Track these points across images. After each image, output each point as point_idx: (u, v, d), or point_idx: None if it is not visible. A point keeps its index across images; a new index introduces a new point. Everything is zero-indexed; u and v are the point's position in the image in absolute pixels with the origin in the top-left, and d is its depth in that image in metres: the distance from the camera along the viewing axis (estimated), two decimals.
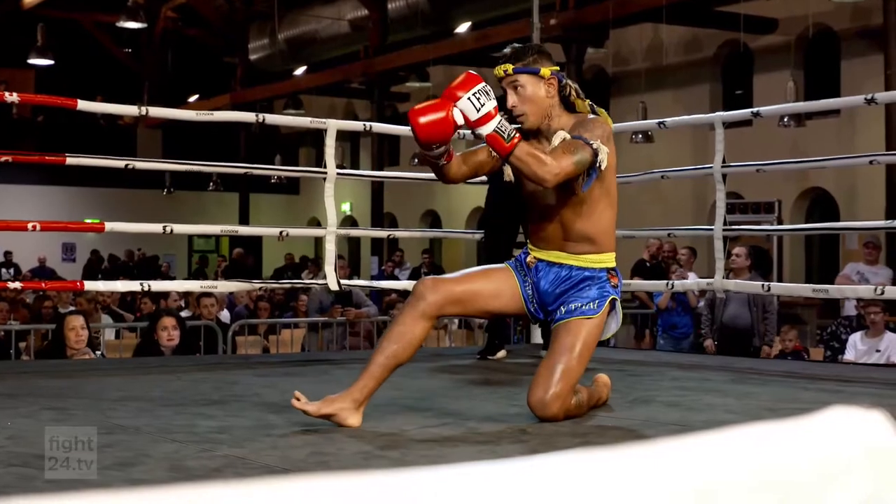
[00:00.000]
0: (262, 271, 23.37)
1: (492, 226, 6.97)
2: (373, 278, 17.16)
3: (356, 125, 7.98)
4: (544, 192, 4.01)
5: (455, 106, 3.73)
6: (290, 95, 24.09)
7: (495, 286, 4.08)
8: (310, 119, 7.49)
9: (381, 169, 19.50)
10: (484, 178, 7.02)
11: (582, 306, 4.00)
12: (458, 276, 4.06)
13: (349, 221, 25.62)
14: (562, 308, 4.01)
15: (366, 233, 11.95)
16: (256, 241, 24.86)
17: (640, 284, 9.93)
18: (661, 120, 7.17)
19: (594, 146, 3.90)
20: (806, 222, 16.93)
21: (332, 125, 6.83)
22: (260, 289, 10.09)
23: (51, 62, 24.02)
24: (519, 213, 6.76)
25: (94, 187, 24.90)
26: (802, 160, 7.56)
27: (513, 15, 17.13)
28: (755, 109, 6.88)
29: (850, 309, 10.76)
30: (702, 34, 18.57)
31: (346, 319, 10.49)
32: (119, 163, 6.60)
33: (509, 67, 4.06)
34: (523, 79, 4.04)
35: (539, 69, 4.05)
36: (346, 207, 25.74)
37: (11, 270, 21.89)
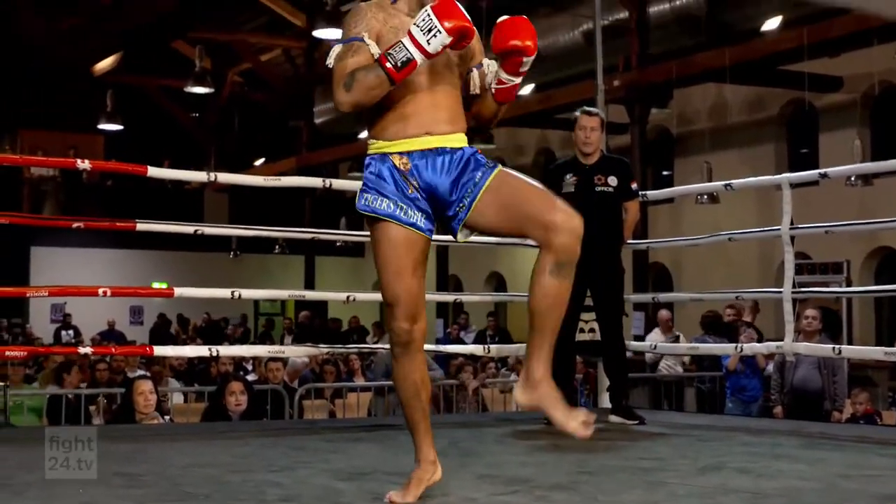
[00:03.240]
0: (328, 334, 23.45)
1: None
2: (438, 341, 17.17)
3: None
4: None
5: (522, 56, 3.56)
6: (355, 158, 24.24)
7: (412, 261, 3.56)
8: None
9: (445, 230, 19.51)
10: None
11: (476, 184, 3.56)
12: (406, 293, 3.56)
13: None
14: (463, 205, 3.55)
15: (431, 297, 11.91)
16: (322, 304, 24.95)
17: (709, 347, 9.84)
18: (727, 182, 7.14)
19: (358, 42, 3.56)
20: (875, 282, 16.73)
21: None
22: (326, 353, 10.08)
23: (120, 127, 24.39)
24: (588, 277, 6.77)
25: (162, 250, 25.14)
26: (870, 221, 7.50)
27: (576, 76, 17.15)
28: (822, 170, 6.83)
29: None
30: (766, 93, 18.50)
31: None
32: (188, 229, 6.67)
33: None
34: None
35: None
36: None
37: (71, 332, 22.09)
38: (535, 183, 3.55)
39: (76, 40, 22.34)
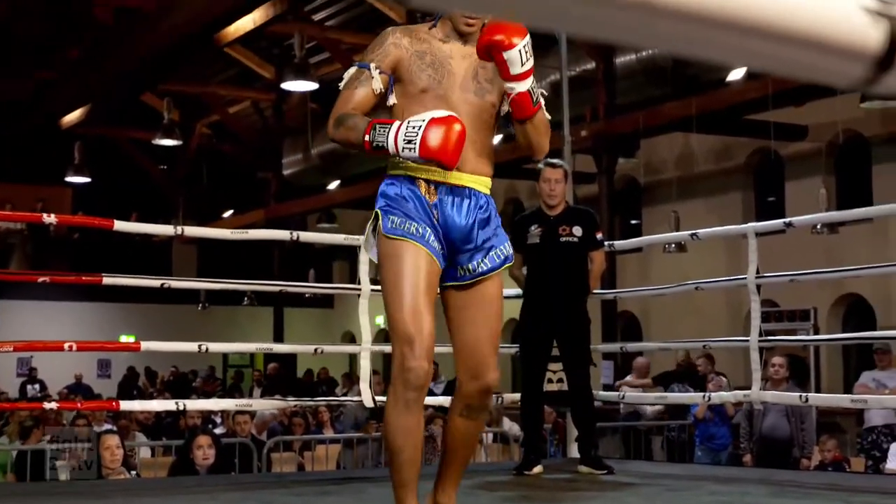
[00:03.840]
0: (297, 386, 23.36)
1: (526, 339, 6.96)
2: None
3: None
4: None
5: (501, 52, 3.23)
6: (324, 210, 24.27)
7: (432, 293, 3.41)
8: (343, 236, 7.54)
9: None
10: (519, 290, 7.06)
11: (501, 250, 3.52)
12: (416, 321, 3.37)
13: (384, 335, 25.58)
14: (480, 256, 3.48)
15: None
16: (291, 355, 24.89)
17: (677, 397, 9.86)
18: (693, 231, 7.19)
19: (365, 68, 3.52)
20: (842, 329, 16.82)
21: None
22: (294, 405, 10.05)
23: (87, 179, 24.34)
24: (554, 327, 6.79)
25: (130, 303, 25.02)
26: (836, 269, 7.55)
27: None
28: (788, 220, 6.89)
29: (874, 419, 10.69)
30: (732, 142, 18.65)
31: (382, 435, 10.43)
32: (155, 282, 6.66)
33: None
34: None
35: None
36: (380, 321, 25.73)
37: (37, 386, 21.92)
38: (497, 320, 3.49)
39: (45, 94, 22.32)
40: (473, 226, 3.44)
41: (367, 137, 3.26)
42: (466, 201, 3.43)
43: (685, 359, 12.11)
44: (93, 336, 23.01)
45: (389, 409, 3.37)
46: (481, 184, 3.47)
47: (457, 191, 3.43)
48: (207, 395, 19.02)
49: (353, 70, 3.52)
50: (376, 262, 3.54)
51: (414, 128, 3.21)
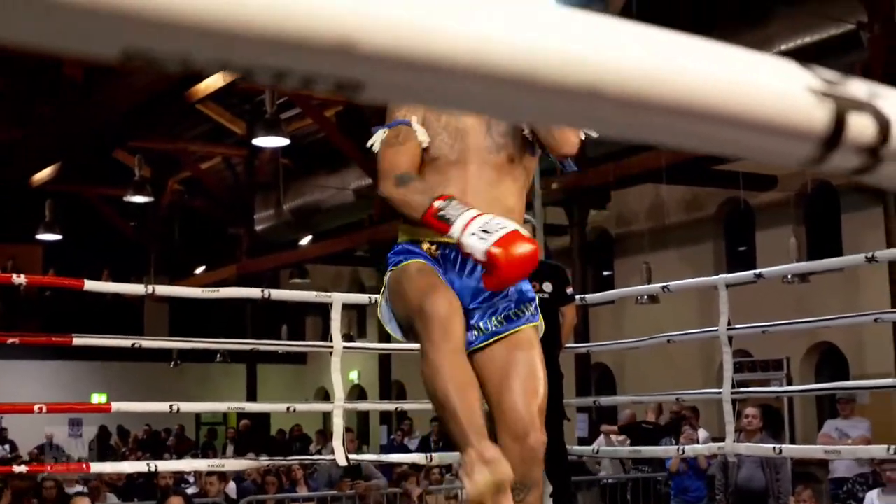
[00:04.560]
0: (270, 443, 23.23)
1: None
2: (382, 448, 17.07)
3: (361, 298, 8.03)
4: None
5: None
6: (296, 265, 24.25)
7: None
8: (315, 293, 7.54)
9: (387, 337, 19.53)
10: None
11: (521, 311, 3.39)
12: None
13: (357, 390, 25.54)
14: (495, 316, 3.37)
15: (374, 406, 11.99)
16: (264, 413, 24.78)
17: (651, 450, 9.86)
18: (665, 284, 7.22)
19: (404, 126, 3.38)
20: (815, 378, 16.87)
21: (338, 299, 6.87)
22: (267, 464, 9.99)
23: (58, 237, 24.27)
24: None
25: (101, 361, 24.88)
26: (807, 320, 7.59)
27: None
28: (758, 271, 6.93)
29: (840, 470, 10.73)
30: (702, 193, 18.75)
31: (356, 493, 10.39)
32: (126, 342, 6.63)
33: None
34: None
35: None
36: (353, 376, 25.69)
37: (7, 447, 21.71)
38: (542, 373, 3.30)
39: (16, 152, 22.29)
40: (478, 289, 3.30)
41: (437, 204, 3.06)
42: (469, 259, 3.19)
43: (676, 411, 12.15)
44: (64, 394, 22.86)
45: (428, 364, 3.09)
46: None
47: (457, 248, 3.21)
48: (180, 454, 18.90)
49: (385, 130, 3.40)
50: (395, 334, 3.46)
51: (497, 225, 2.97)
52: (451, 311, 3.11)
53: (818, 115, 0.72)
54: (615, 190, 17.21)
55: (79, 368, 25.17)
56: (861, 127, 0.74)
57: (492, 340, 3.33)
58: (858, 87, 0.76)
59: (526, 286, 3.40)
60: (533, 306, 3.39)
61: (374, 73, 0.57)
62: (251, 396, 24.00)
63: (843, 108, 0.74)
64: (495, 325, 3.32)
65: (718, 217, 19.19)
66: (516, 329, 3.32)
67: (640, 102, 0.64)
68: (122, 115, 17.17)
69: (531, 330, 3.35)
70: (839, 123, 0.73)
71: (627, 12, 14.39)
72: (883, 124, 0.76)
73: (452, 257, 3.34)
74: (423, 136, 3.36)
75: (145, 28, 0.50)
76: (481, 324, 3.33)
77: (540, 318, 3.39)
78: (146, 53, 0.51)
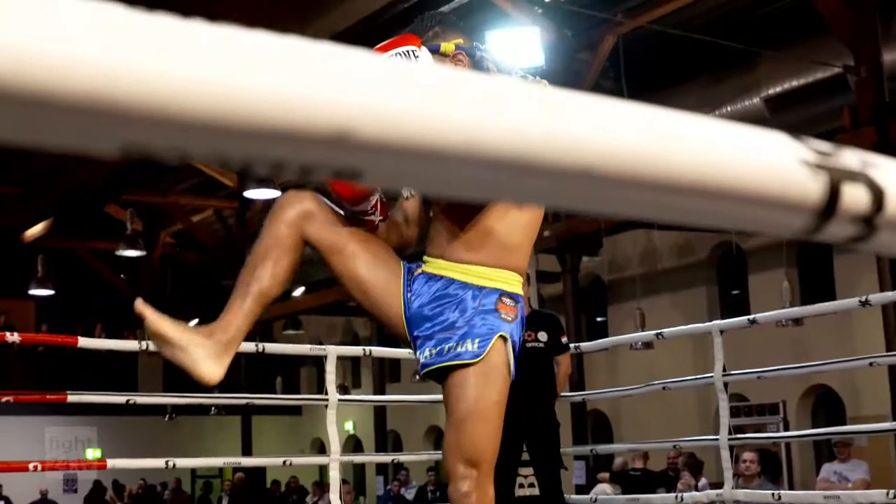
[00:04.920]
0: (266, 496, 23.10)
1: None
2: (378, 498, 17.00)
3: (356, 351, 8.03)
4: None
5: None
6: (290, 316, 24.21)
7: (376, 254, 3.25)
8: (309, 346, 7.54)
9: (382, 387, 19.57)
10: None
11: (457, 346, 3.15)
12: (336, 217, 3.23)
13: (353, 441, 25.44)
14: (429, 346, 3.20)
15: (370, 458, 11.95)
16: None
17: (649, 498, 9.82)
18: (659, 331, 7.21)
19: None
20: (812, 420, 16.86)
21: (332, 352, 6.86)
22: None
23: (51, 292, 24.23)
24: (523, 432, 6.77)
25: (95, 415, 24.79)
26: (802, 365, 7.58)
27: None
28: (752, 317, 6.91)
29: None
30: (694, 237, 18.79)
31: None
32: (120, 399, 6.61)
33: None
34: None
35: (439, 45, 3.23)
36: (349, 426, 25.61)
37: (2, 503, 21.56)
38: (464, 421, 3.07)
39: (7, 208, 22.30)
40: (426, 310, 3.20)
41: None
42: (435, 285, 3.20)
43: (673, 458, 12.12)
44: (58, 449, 22.78)
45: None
46: (487, 278, 3.18)
47: (433, 277, 3.22)
48: None
49: None
50: None
51: None
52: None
53: (812, 187, 0.73)
54: (607, 236, 17.24)
55: (73, 423, 25.06)
56: (855, 197, 0.75)
57: (428, 370, 3.19)
58: (851, 158, 0.77)
59: (480, 321, 3.15)
60: (478, 342, 3.10)
61: (372, 160, 0.57)
62: (246, 448, 23.88)
63: (836, 178, 0.74)
64: (426, 357, 3.17)
65: (711, 261, 19.22)
66: (446, 364, 3.11)
67: (635, 182, 0.64)
68: (114, 170, 17.19)
69: (465, 370, 3.09)
70: (833, 194, 0.74)
71: (615, 58, 14.47)
72: (877, 193, 0.76)
73: (422, 280, 3.23)
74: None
75: (143, 125, 0.50)
76: (419, 353, 3.21)
77: (486, 353, 3.08)
78: (144, 148, 0.52)
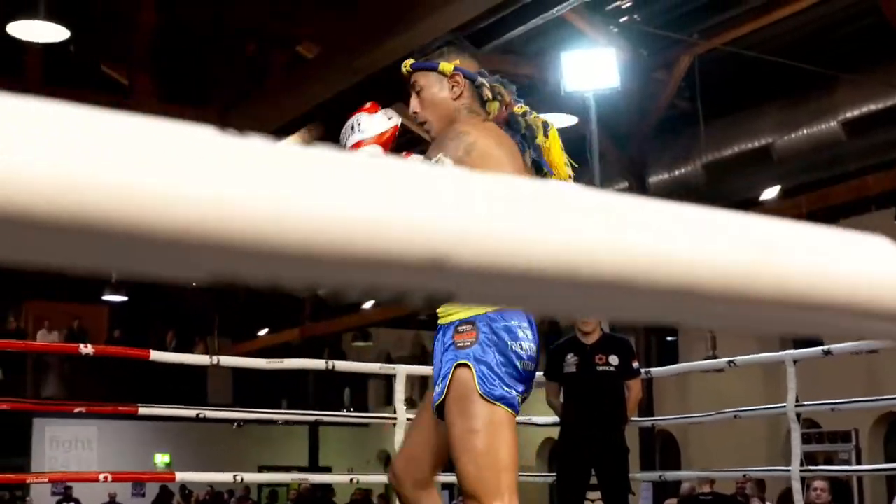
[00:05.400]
0: None
1: (564, 468, 6.90)
2: None
3: (425, 370, 8.02)
4: None
5: None
6: (359, 328, 24.28)
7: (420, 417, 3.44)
8: (379, 366, 7.55)
9: None
10: (556, 418, 7.02)
11: (434, 388, 3.21)
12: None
13: None
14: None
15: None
16: (327, 472, 24.78)
17: None
18: (731, 359, 7.13)
19: (437, 163, 3.05)
20: (884, 449, 16.59)
21: (401, 371, 6.87)
22: None
23: (124, 298, 24.48)
24: (592, 456, 6.73)
25: (164, 421, 25.00)
26: (877, 398, 7.46)
27: None
28: (826, 347, 6.82)
29: None
30: None
31: None
32: (190, 412, 6.67)
33: (408, 63, 3.36)
34: (422, 78, 3.31)
35: (438, 64, 3.30)
36: None
37: None
38: (478, 442, 3.07)
39: None
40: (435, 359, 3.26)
41: None
42: (437, 335, 3.25)
43: (742, 484, 11.97)
44: (127, 454, 23.01)
45: None
46: (445, 315, 3.20)
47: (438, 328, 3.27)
48: None
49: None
50: None
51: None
52: None
53: None
54: None
55: (142, 429, 25.28)
56: None
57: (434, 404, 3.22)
58: None
59: (446, 359, 3.15)
60: (441, 382, 3.15)
61: (467, 284, 0.55)
62: (313, 457, 24.00)
63: None
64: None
65: None
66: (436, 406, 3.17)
67: (738, 297, 0.62)
68: None
69: (444, 412, 3.14)
70: None
71: (690, 78, 14.38)
72: None
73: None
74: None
75: (233, 255, 0.49)
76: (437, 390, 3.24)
77: (447, 389, 3.11)
78: (234, 277, 0.50)
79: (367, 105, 3.36)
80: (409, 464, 3.41)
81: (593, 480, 6.91)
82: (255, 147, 0.50)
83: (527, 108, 3.41)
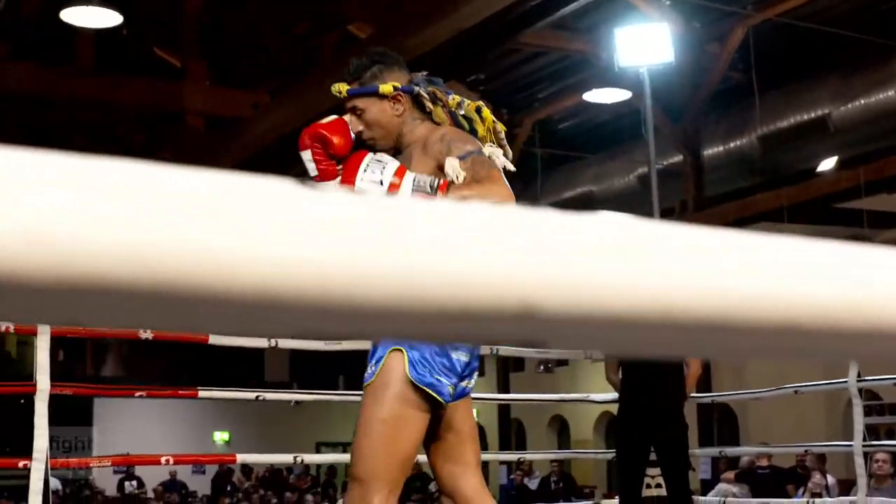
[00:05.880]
0: None
1: (624, 444, 6.89)
2: (501, 488, 17.00)
3: (483, 350, 8.02)
4: None
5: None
6: None
7: None
8: None
9: (506, 376, 19.57)
10: (615, 394, 7.00)
11: (368, 368, 3.24)
12: None
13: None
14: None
15: (495, 456, 11.95)
16: None
17: (779, 502, 9.66)
18: None
19: (485, 154, 3.22)
20: None
21: None
22: None
23: None
24: (652, 433, 6.70)
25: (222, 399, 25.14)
26: None
27: None
28: None
29: None
30: (824, 231, 18.39)
31: None
32: (250, 394, 6.70)
33: (343, 88, 3.39)
34: (360, 102, 3.36)
35: (377, 87, 3.35)
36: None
37: (135, 483, 22.03)
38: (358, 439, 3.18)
39: None
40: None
41: None
42: None
43: (801, 457, 11.89)
44: (186, 432, 23.24)
45: None
46: None
47: None
48: (301, 493, 19.08)
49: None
50: None
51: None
52: None
53: None
54: (736, 229, 16.96)
55: (201, 406, 25.50)
56: None
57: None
58: None
59: (384, 342, 3.19)
60: (374, 364, 3.20)
61: (559, 331, 0.54)
62: None
63: None
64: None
65: None
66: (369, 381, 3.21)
67: (839, 332, 0.60)
68: (241, 163, 17.40)
69: (366, 390, 3.20)
70: None
71: (744, 50, 14.25)
72: None
73: None
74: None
75: (324, 315, 0.48)
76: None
77: (375, 378, 3.17)
78: (319, 333, 0.49)
79: (335, 123, 3.36)
80: (450, 472, 3.41)
81: (653, 457, 6.89)
82: (333, 202, 0.49)
83: (460, 98, 3.44)
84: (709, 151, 15.85)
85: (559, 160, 17.47)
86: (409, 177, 3.17)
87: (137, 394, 6.54)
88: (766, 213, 15.84)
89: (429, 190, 3.14)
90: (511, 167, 3.35)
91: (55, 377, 5.34)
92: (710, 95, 15.12)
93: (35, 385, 5.39)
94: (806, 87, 14.04)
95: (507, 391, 20.65)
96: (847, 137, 13.95)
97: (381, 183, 3.19)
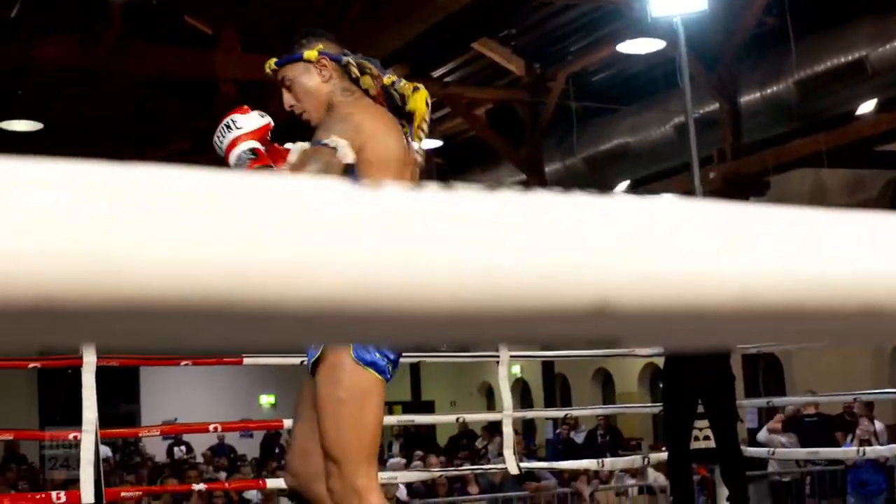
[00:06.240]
0: (436, 439, 23.34)
1: (671, 398, 6.88)
2: (548, 442, 17.02)
3: None
4: None
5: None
6: None
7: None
8: None
9: None
10: (660, 349, 6.99)
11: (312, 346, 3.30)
12: None
13: (520, 384, 25.45)
14: None
15: (541, 413, 11.98)
16: (429, 405, 25.00)
17: (830, 451, 9.62)
18: None
19: (330, 144, 3.16)
20: None
21: None
22: (439, 475, 10.04)
23: None
24: (699, 386, 6.69)
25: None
26: None
27: (669, 170, 17.10)
28: None
29: None
30: (865, 174, 18.24)
31: (527, 493, 10.38)
32: (294, 360, 6.72)
33: (271, 62, 3.47)
34: (290, 71, 3.41)
35: (301, 53, 3.41)
36: (516, 370, 25.61)
37: (183, 448, 22.17)
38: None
39: (177, 164, 22.81)
40: None
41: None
42: None
43: (849, 404, 11.83)
44: (233, 396, 23.39)
45: None
46: None
47: None
48: None
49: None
50: None
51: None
52: None
53: None
54: (775, 175, 16.84)
55: (246, 371, 25.63)
56: None
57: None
58: None
59: None
60: (316, 346, 3.28)
61: (631, 327, 0.52)
62: (415, 391, 24.18)
63: None
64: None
65: (883, 198, 18.63)
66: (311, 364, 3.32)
67: None
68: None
69: (317, 371, 3.29)
70: None
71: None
72: None
73: None
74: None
75: (385, 323, 0.46)
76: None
77: (324, 355, 3.24)
78: (384, 340, 0.48)
79: (239, 108, 3.50)
80: (304, 459, 3.47)
81: (700, 410, 6.88)
82: (387, 201, 0.47)
83: (395, 77, 3.47)
84: (745, 98, 15.71)
85: (594, 113, 17.34)
86: (235, 151, 3.34)
87: (183, 363, 6.57)
88: (805, 158, 15.71)
89: (245, 166, 3.27)
90: (420, 157, 3.40)
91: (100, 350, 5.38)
92: (745, 42, 14.97)
93: (81, 358, 5.44)
94: (842, 30, 13.88)
95: (550, 347, 20.64)
96: (885, 79, 13.79)
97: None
